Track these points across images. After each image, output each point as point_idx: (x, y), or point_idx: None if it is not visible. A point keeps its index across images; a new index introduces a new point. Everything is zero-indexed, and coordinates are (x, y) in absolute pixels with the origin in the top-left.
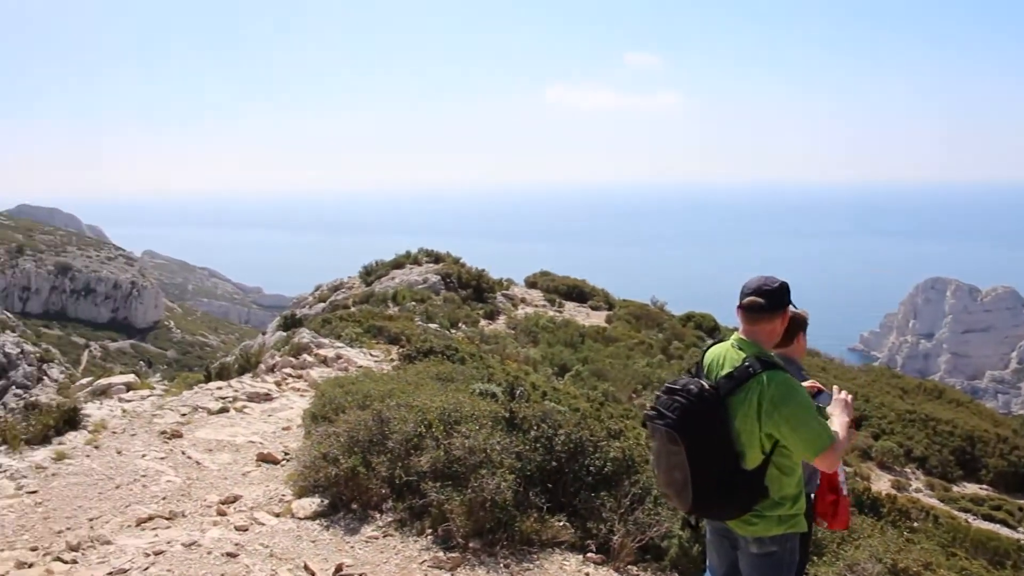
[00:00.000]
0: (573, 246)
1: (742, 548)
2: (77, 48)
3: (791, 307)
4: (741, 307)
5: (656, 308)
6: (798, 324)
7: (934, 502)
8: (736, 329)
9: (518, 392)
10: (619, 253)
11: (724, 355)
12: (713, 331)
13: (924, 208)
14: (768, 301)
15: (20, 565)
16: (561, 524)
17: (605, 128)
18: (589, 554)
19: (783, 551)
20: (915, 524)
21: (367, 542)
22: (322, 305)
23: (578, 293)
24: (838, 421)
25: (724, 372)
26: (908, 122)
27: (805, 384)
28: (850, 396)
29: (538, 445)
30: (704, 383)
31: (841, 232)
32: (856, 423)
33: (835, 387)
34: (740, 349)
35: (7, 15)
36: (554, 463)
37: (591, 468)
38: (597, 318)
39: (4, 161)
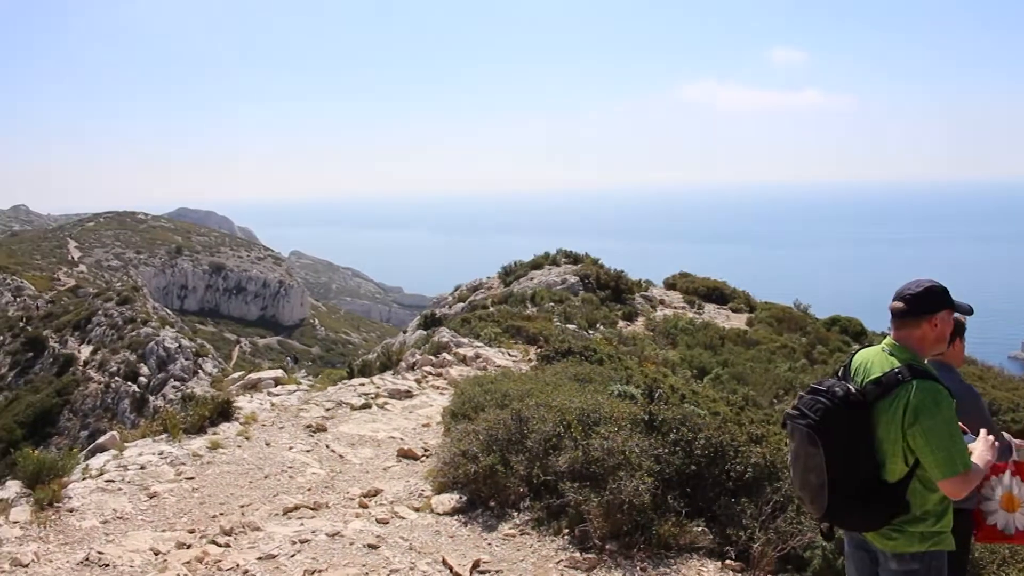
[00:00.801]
0: (714, 247)
1: (882, 564)
2: (228, 62)
3: (951, 313)
4: (891, 314)
5: (799, 311)
6: (955, 329)
7: None
8: (885, 334)
9: (657, 394)
10: (764, 255)
11: (873, 360)
12: (859, 336)
13: None
14: (910, 306)
15: (180, 545)
16: (700, 529)
17: (747, 127)
18: (728, 561)
19: (926, 570)
20: None
21: (504, 540)
22: (461, 305)
23: (718, 295)
24: (979, 455)
25: (872, 377)
26: None
27: None
28: (1002, 441)
29: (677, 448)
30: (850, 387)
31: (998, 235)
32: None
33: (983, 430)
34: (891, 355)
35: (166, 34)
36: (693, 467)
37: (731, 473)
38: (737, 321)
39: (166, 168)
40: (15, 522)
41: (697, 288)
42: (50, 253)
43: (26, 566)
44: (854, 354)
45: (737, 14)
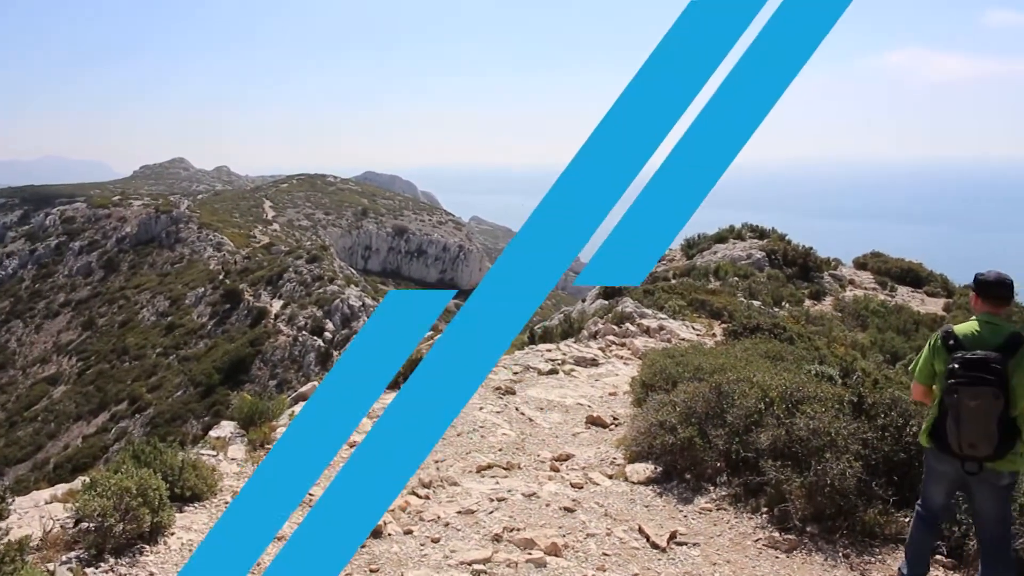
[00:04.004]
0: (908, 227)
1: (989, 484)
2: (413, 33)
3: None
4: (991, 296)
5: None
6: None
7: None
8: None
9: (855, 377)
10: (965, 237)
11: (979, 330)
12: None
13: None
14: (1011, 292)
15: None
16: (907, 520)
17: (953, 97)
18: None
19: (1014, 482)
20: None
21: (700, 513)
22: None
23: (913, 277)
24: None
25: (994, 343)
26: None
27: None
28: None
29: (886, 434)
30: (991, 354)
31: None
32: None
33: None
34: (997, 325)
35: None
36: (903, 454)
37: None
38: (934, 305)
39: (353, 134)
40: (232, 459)
41: (890, 269)
42: (247, 212)
43: None
44: (950, 331)
45: None
